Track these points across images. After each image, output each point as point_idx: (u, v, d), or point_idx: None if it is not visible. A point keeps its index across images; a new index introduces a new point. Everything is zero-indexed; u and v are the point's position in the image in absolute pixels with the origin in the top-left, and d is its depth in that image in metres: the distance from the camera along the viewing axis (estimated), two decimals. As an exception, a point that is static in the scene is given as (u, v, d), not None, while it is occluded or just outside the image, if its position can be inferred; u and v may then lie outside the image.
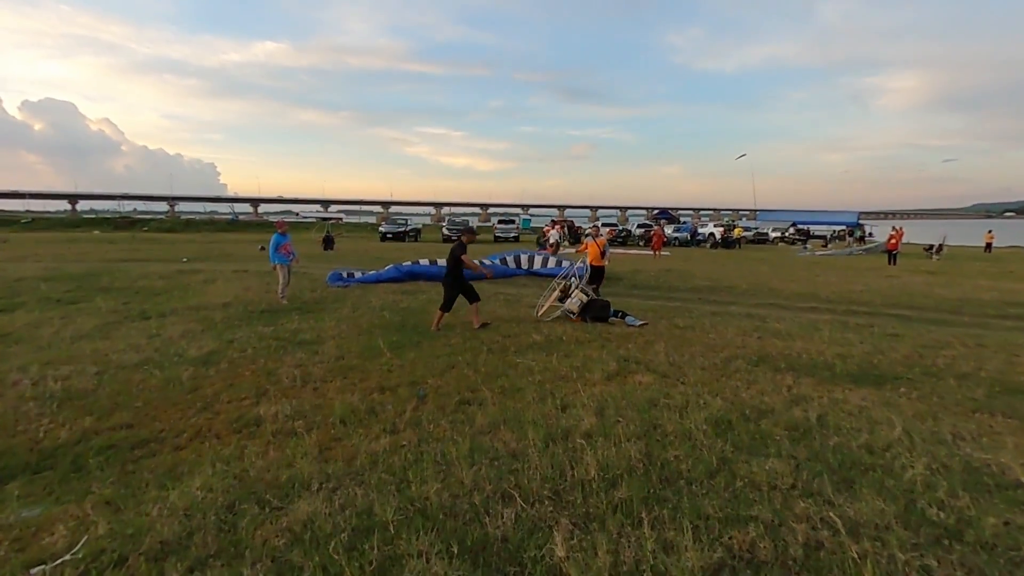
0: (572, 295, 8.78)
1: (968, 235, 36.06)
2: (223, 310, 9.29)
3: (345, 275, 13.23)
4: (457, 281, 8.29)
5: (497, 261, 15.41)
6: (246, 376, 5.55)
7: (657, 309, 10.18)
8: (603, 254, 10.82)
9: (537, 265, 15.12)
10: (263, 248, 25.39)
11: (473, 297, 8.35)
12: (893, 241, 22.11)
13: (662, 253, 24.55)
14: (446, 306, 8.27)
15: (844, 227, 48.93)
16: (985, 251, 33.91)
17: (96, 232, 46.02)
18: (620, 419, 4.17)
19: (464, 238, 8.68)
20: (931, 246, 27.15)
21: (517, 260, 15.59)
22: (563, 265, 14.01)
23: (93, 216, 71.85)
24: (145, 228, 51.86)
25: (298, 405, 4.63)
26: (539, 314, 8.99)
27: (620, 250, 28.00)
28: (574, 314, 8.72)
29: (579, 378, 5.50)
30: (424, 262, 14.40)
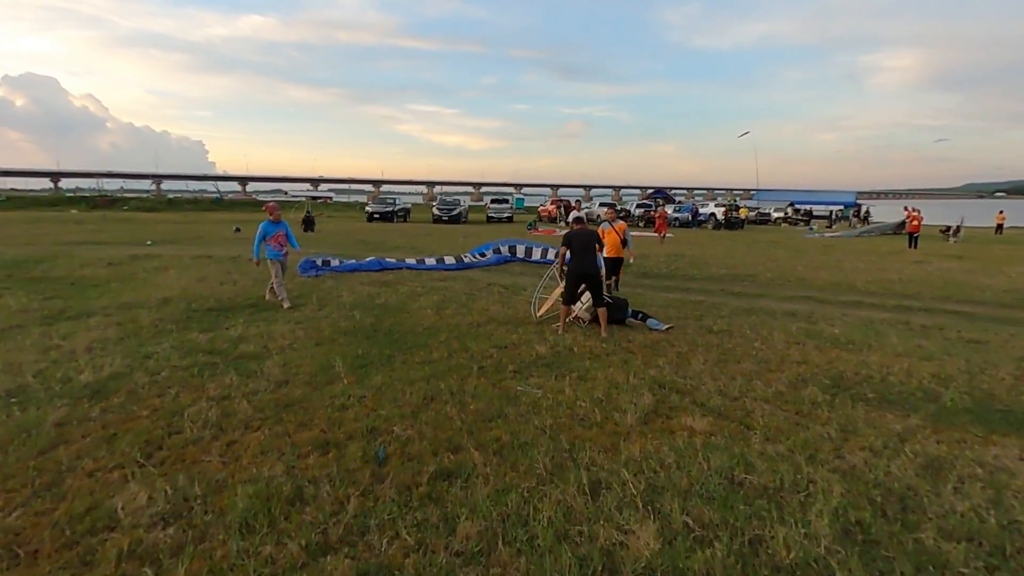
0: (582, 298, 7.19)
1: (966, 215, 34.38)
2: (159, 309, 7.66)
3: (320, 263, 11.58)
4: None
5: (490, 252, 13.78)
6: (140, 420, 3.95)
7: (678, 305, 8.66)
8: (624, 243, 9.16)
9: (536, 256, 13.50)
10: (238, 230, 23.60)
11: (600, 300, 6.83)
12: (915, 223, 20.67)
13: (667, 235, 22.95)
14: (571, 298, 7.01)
15: (842, 207, 47.52)
16: (996, 232, 32.64)
17: (74, 211, 43.82)
18: (694, 525, 2.63)
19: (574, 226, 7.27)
20: (948, 227, 25.76)
21: (512, 250, 13.96)
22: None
23: (73, 195, 69.23)
24: (125, 207, 49.67)
25: (184, 489, 3.02)
26: (539, 314, 7.43)
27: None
28: (584, 322, 7.17)
29: (605, 421, 3.97)
30: (411, 261, 12.68)
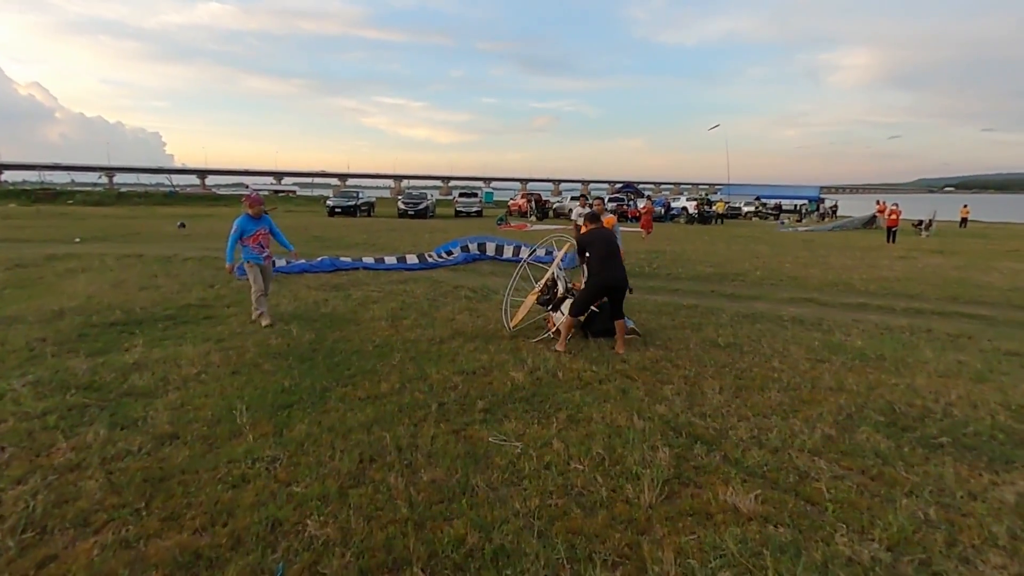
0: (563, 306, 6.03)
1: (917, 209, 34.58)
2: (46, 324, 6.19)
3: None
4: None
5: (457, 250, 12.52)
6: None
7: (670, 311, 7.61)
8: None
9: (508, 254, 12.28)
10: (183, 225, 21.69)
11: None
12: (894, 217, 20.28)
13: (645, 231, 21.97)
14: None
15: (806, 200, 47.90)
16: (961, 226, 32.98)
17: (12, 205, 40.53)
18: None
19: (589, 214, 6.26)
20: (920, 221, 25.66)
21: (481, 248, 12.72)
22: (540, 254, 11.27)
23: (12, 188, 64.74)
24: (70, 201, 46.40)
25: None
26: (513, 325, 6.27)
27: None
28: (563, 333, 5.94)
29: (613, 497, 2.83)
30: (369, 259, 11.30)
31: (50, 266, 10.63)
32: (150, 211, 37.10)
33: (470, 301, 8.01)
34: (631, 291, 5.54)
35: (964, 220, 34.02)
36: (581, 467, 3.13)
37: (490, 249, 12.66)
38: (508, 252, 12.43)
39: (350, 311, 7.26)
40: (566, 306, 5.88)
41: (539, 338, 5.93)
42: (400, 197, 34.65)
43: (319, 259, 10.73)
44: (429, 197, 34.00)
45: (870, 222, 30.02)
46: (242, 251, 6.48)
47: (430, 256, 12.00)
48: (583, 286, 5.59)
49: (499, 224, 25.63)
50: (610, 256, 5.48)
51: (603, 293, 5.49)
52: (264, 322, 6.35)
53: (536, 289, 6.49)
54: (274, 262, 10.35)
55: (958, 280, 10.93)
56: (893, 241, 19.81)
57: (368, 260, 11.21)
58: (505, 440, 3.46)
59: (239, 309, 7.17)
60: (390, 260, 11.38)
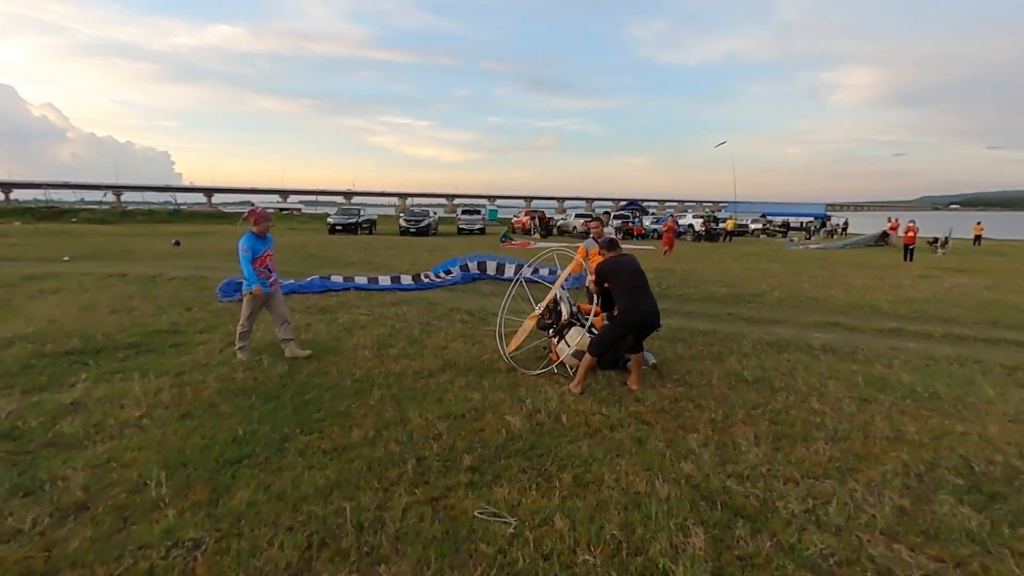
0: (567, 332, 5.31)
1: (924, 227, 33.53)
2: (-11, 355, 5.55)
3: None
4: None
5: (456, 269, 11.87)
6: None
7: (685, 336, 6.89)
8: None
9: (510, 273, 11.57)
10: (178, 243, 21.17)
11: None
12: (911, 235, 19.53)
13: (657, 248, 21.20)
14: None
15: (812, 218, 47.26)
16: (974, 243, 32.16)
17: (17, 224, 40.35)
18: None
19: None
20: (936, 239, 24.88)
21: (481, 267, 12.06)
22: (542, 273, 10.55)
23: (18, 207, 64.93)
24: (74, 219, 46.26)
25: None
26: (510, 350, 5.58)
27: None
28: (571, 369, 5.18)
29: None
30: (362, 280, 10.64)
31: (24, 287, 10.02)
32: (153, 229, 36.73)
33: (466, 326, 7.32)
34: (660, 328, 4.82)
35: (978, 238, 33.21)
36: (591, 558, 2.41)
37: (491, 268, 12.00)
38: (510, 271, 11.74)
39: (333, 337, 6.58)
40: (573, 335, 5.17)
41: (540, 370, 5.21)
42: (402, 214, 34.14)
43: (308, 279, 10.09)
44: (431, 214, 33.50)
45: (882, 239, 29.28)
46: (247, 276, 5.50)
47: (427, 276, 11.35)
48: (610, 321, 4.84)
49: (502, 242, 25.03)
50: (641, 287, 4.64)
51: (633, 331, 4.64)
52: (302, 354, 5.71)
53: (535, 312, 5.81)
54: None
55: (992, 302, 10.16)
56: (910, 259, 19.05)
57: (361, 280, 10.56)
58: (495, 515, 2.75)
59: (213, 335, 6.52)
60: (384, 280, 10.73)
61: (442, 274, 11.59)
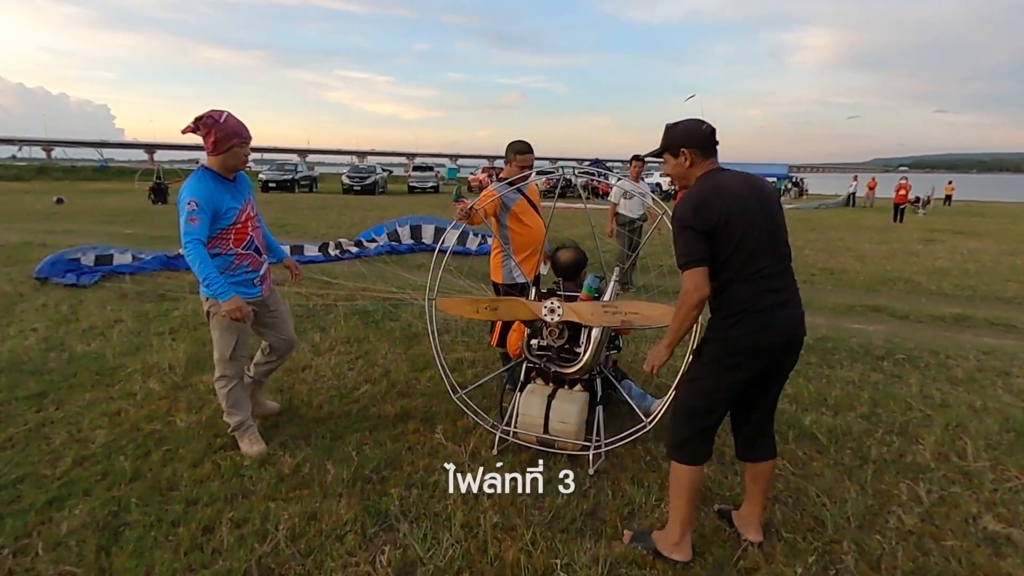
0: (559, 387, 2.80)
1: (879, 188, 32.54)
2: None
3: (83, 260, 6.73)
4: None
5: (383, 236, 9.25)
6: None
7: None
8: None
9: (452, 242, 8.97)
10: (60, 201, 17.66)
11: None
12: (902, 193, 17.89)
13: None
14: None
15: (775, 178, 46.25)
16: (945, 203, 31.37)
17: None
18: None
19: None
20: (917, 198, 23.50)
21: (416, 234, 9.45)
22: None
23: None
24: None
25: None
26: (445, 310, 3.15)
27: (563, 204, 22.22)
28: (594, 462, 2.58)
29: None
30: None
31: None
32: (74, 186, 32.02)
33: (375, 327, 4.88)
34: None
35: (948, 197, 32.40)
36: None
37: (427, 234, 9.45)
38: (452, 239, 9.24)
39: (122, 351, 4.07)
40: (571, 401, 2.69)
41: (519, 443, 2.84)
42: (344, 173, 30.85)
43: (150, 254, 7.32)
44: (379, 171, 30.37)
45: (849, 199, 28.03)
46: (222, 282, 2.47)
47: (346, 245, 8.71)
48: (704, 345, 1.94)
49: (455, 201, 22.33)
50: (775, 257, 1.87)
51: (756, 365, 1.88)
52: (255, 449, 2.68)
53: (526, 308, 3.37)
54: (92, 259, 6.94)
55: (1036, 272, 8.34)
56: (900, 220, 17.44)
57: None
58: None
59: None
60: (285, 249, 8.10)
61: (366, 243, 9.00)
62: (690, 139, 1.94)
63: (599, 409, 2.72)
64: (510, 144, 3.34)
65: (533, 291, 2.91)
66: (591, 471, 2.53)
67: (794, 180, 42.75)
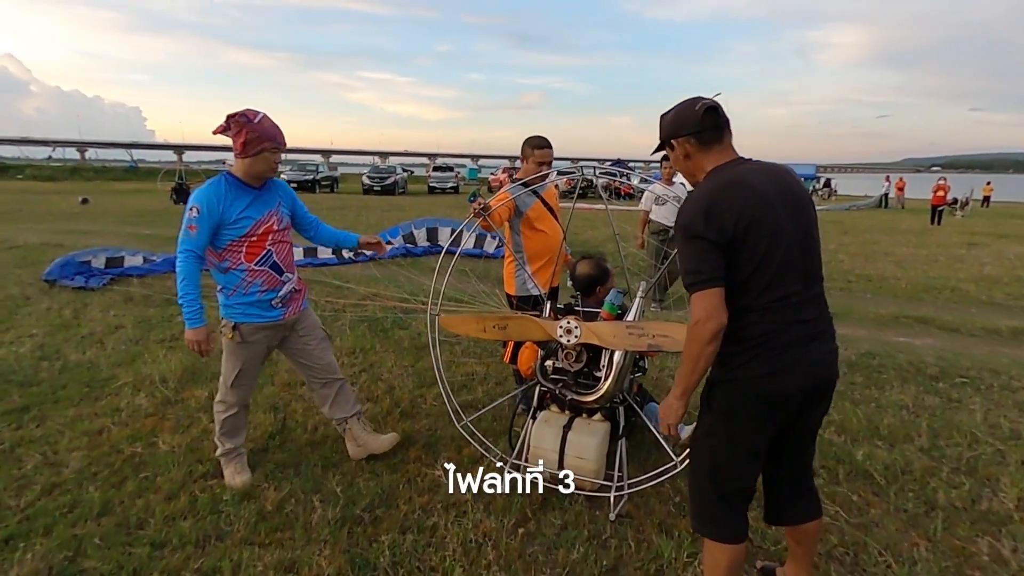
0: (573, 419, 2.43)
1: (911, 188, 31.26)
2: None
3: (93, 263, 6.63)
4: None
5: (398, 239, 9.02)
6: None
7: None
8: None
9: (469, 244, 8.64)
10: (85, 201, 17.89)
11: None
12: (940, 194, 17.09)
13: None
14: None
15: (803, 178, 45.13)
16: (983, 205, 30.10)
17: None
18: None
19: None
20: (955, 200, 22.52)
21: (432, 235, 9.19)
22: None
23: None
24: (20, 176, 42.37)
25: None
26: (449, 327, 2.91)
27: (584, 204, 21.61)
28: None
29: None
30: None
31: None
32: (105, 186, 32.70)
33: (383, 336, 4.63)
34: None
35: (987, 199, 31.09)
36: None
37: (443, 237, 9.19)
38: (469, 242, 8.95)
39: (116, 361, 3.88)
40: (593, 434, 2.37)
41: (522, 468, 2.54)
42: (365, 174, 30.91)
43: (158, 258, 7.18)
44: (399, 172, 30.36)
45: (882, 201, 26.98)
46: (222, 287, 2.32)
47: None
48: (712, 389, 1.55)
49: (471, 201, 22.06)
50: (807, 279, 1.49)
51: (777, 415, 1.50)
52: (238, 480, 2.43)
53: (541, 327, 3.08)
54: (104, 262, 6.78)
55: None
56: (939, 222, 16.66)
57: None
58: None
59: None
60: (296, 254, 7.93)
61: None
62: (679, 125, 1.54)
63: (622, 442, 2.40)
64: (527, 140, 3.01)
65: (548, 307, 2.59)
66: (612, 516, 2.21)
67: (824, 180, 41.56)
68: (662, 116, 1.61)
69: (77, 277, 6.19)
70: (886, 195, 27.85)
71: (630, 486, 2.29)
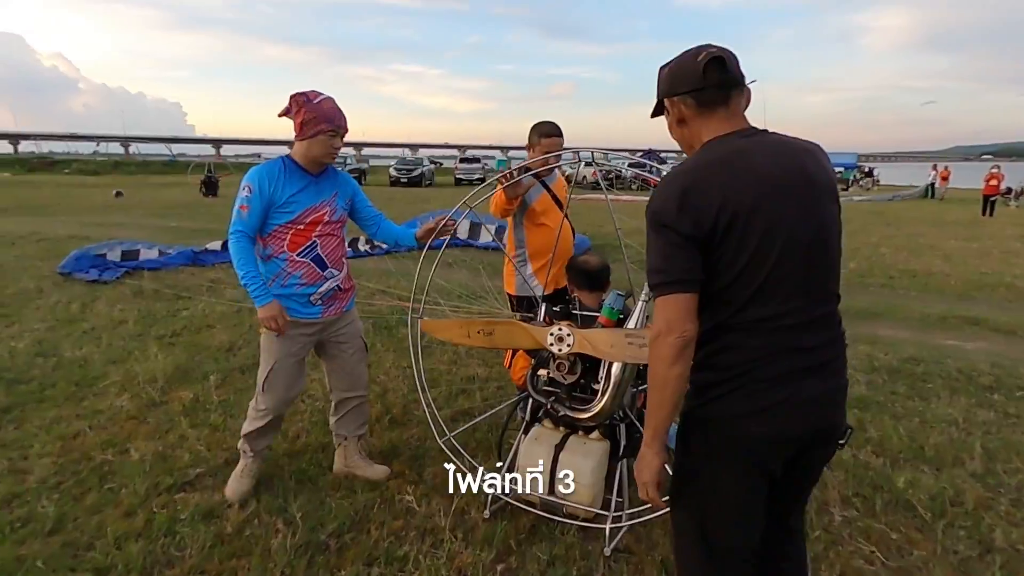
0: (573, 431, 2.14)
1: (960, 177, 29.41)
2: None
3: (109, 256, 6.63)
4: None
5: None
6: None
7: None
8: None
9: (487, 237, 8.33)
10: (119, 194, 18.31)
11: None
12: (994, 183, 16.05)
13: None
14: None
15: (842, 168, 43.31)
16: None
17: (7, 175, 37.98)
18: None
19: None
20: (1010, 189, 21.18)
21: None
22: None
23: (11, 158, 62.61)
24: (67, 170, 44.23)
25: None
26: (433, 333, 2.76)
27: (619, 196, 21.09)
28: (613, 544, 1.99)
29: None
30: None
31: None
32: (144, 180, 33.77)
33: (386, 334, 4.45)
34: (842, 444, 1.30)
35: (1034, 188, 29.23)
36: None
37: (461, 230, 8.93)
38: (488, 235, 8.70)
39: (110, 358, 3.77)
40: (588, 455, 2.12)
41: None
42: (392, 165, 31.07)
43: (174, 251, 7.12)
44: (426, 164, 30.40)
45: (928, 190, 25.57)
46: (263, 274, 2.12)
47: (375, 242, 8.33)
48: (684, 424, 1.27)
49: (499, 168, 21.84)
50: (816, 294, 1.16)
51: (762, 463, 1.18)
52: (231, 489, 2.25)
53: (532, 335, 2.83)
54: (120, 255, 6.75)
55: None
56: (990, 214, 15.65)
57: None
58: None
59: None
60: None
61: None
62: (675, 82, 1.19)
63: (623, 464, 2.12)
64: (535, 126, 2.69)
65: (542, 310, 2.32)
66: (607, 551, 1.94)
67: (866, 169, 39.81)
68: (660, 68, 1.25)
69: (91, 270, 6.19)
70: (932, 184, 26.43)
71: (631, 516, 2.02)
